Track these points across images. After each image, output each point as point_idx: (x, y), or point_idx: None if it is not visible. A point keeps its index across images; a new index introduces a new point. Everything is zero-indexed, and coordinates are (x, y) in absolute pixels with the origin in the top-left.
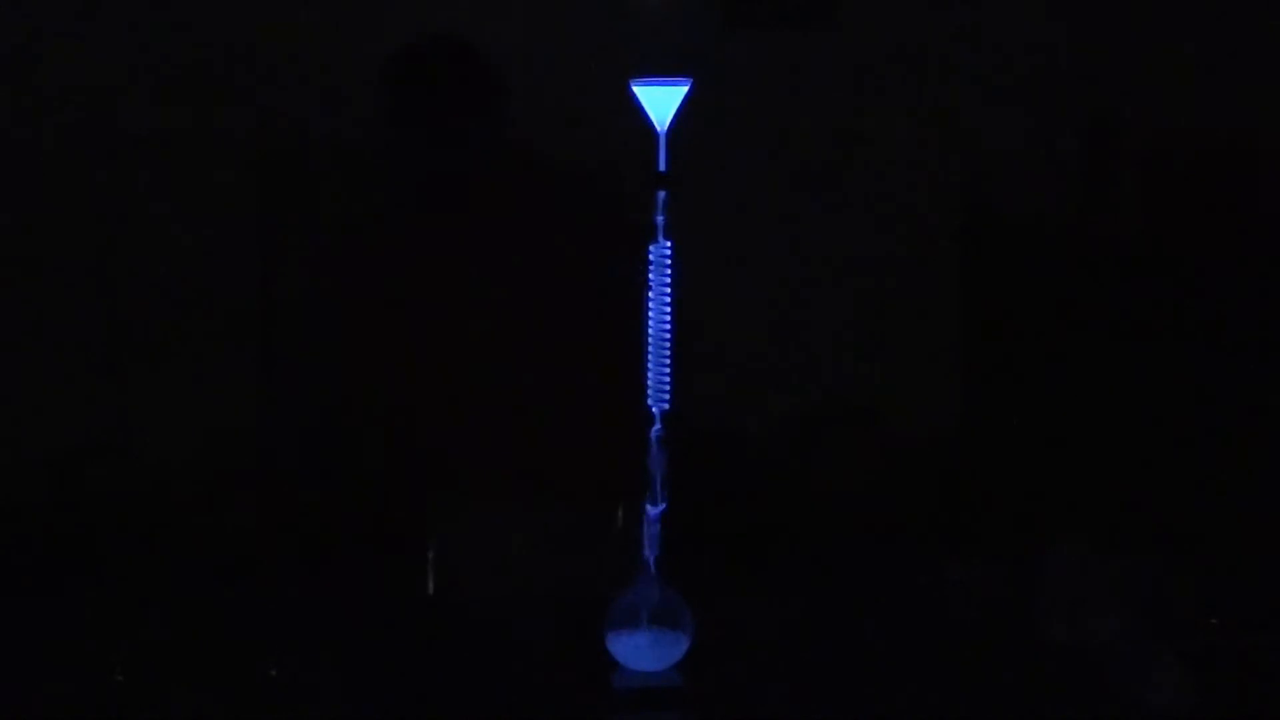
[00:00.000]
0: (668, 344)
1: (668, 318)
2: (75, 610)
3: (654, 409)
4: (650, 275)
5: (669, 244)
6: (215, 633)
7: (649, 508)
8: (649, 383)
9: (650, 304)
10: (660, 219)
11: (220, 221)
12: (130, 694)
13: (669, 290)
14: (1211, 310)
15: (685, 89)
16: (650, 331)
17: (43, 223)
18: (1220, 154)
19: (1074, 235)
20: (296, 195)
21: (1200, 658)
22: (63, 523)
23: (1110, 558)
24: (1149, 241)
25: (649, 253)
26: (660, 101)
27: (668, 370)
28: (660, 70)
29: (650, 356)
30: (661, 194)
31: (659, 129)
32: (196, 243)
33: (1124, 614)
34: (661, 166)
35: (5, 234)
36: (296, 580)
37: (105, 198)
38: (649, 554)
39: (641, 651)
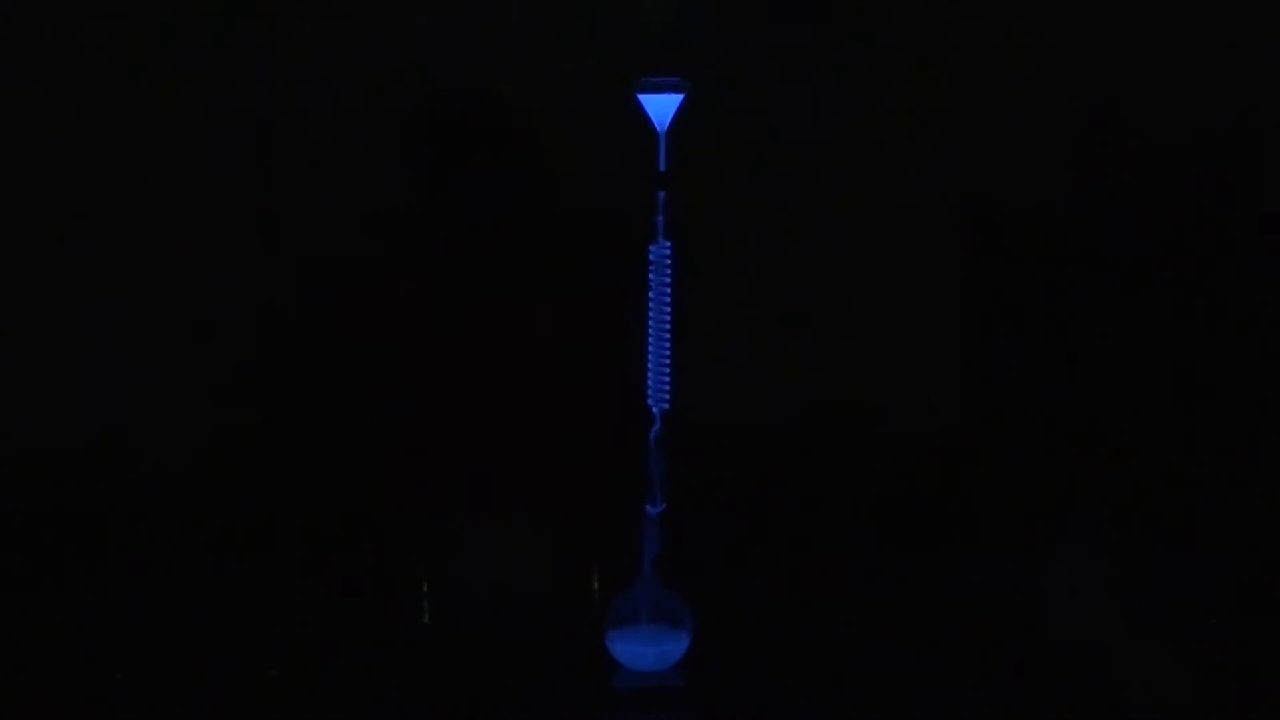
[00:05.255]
0: (668, 344)
1: (668, 318)
2: (75, 610)
3: (654, 409)
4: (650, 275)
5: (669, 244)
6: (215, 633)
7: (649, 508)
8: (649, 383)
9: (650, 304)
10: (660, 219)
11: (221, 219)
12: (131, 694)
13: (669, 290)
14: (1213, 309)
15: (684, 95)
16: (650, 331)
17: (41, 221)
18: (1222, 154)
19: (1076, 235)
20: (299, 196)
21: (1200, 658)
22: (63, 523)
23: (1111, 557)
24: (1151, 241)
25: (649, 253)
26: (660, 104)
27: (668, 370)
28: (659, 70)
29: (650, 356)
30: (661, 194)
31: (659, 129)
32: (197, 241)
33: (1124, 613)
34: (661, 167)
35: (5, 233)
36: (296, 580)
37: (104, 196)
38: (649, 554)
39: (641, 651)
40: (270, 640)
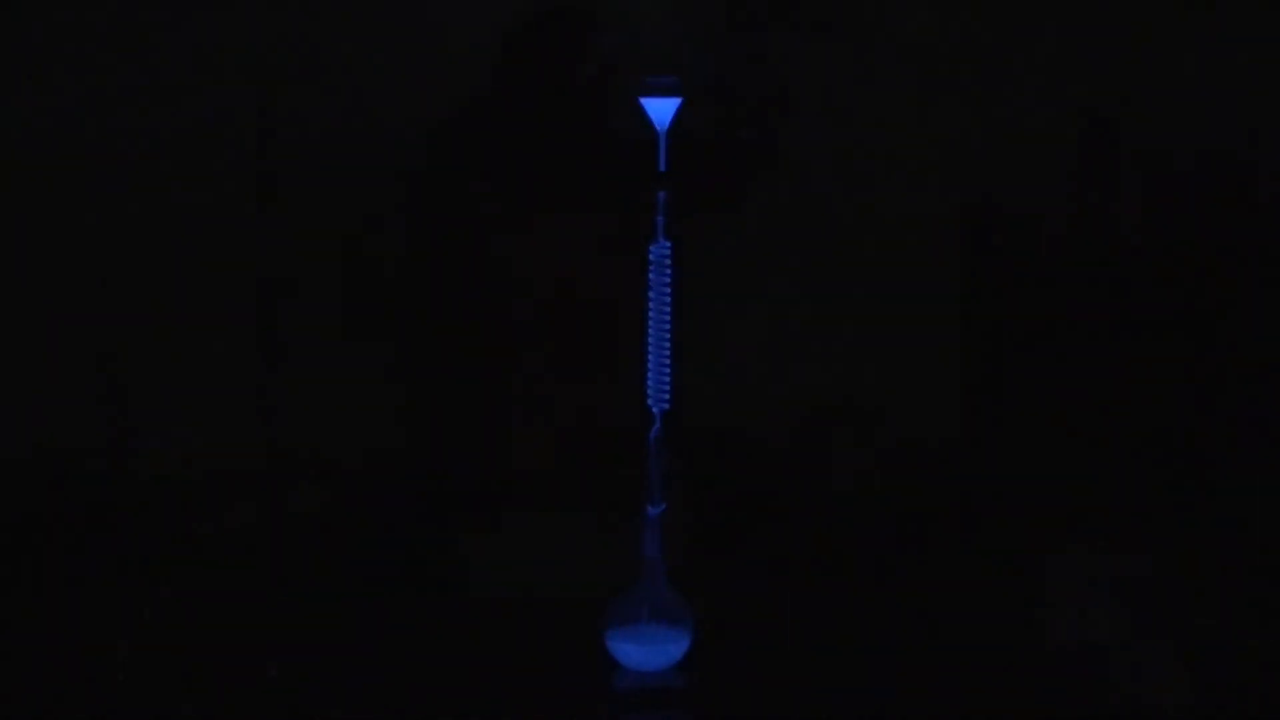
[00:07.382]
0: (668, 344)
1: (668, 318)
2: (76, 610)
3: (654, 409)
4: (650, 275)
5: (669, 244)
6: (215, 633)
7: (649, 508)
8: (649, 383)
9: (650, 304)
10: (660, 219)
11: (221, 218)
12: (131, 694)
13: (669, 290)
14: (1214, 311)
15: (683, 97)
16: (650, 331)
17: (42, 221)
18: (1224, 156)
19: (1078, 236)
20: (298, 192)
21: (1200, 658)
22: (63, 523)
23: (1111, 558)
24: (1152, 243)
25: (649, 253)
26: (660, 105)
27: (668, 370)
28: (660, 70)
29: (650, 356)
30: (661, 194)
31: (659, 129)
32: (197, 240)
33: (1125, 614)
34: (661, 166)
35: (5, 233)
36: (297, 580)
37: (104, 196)
38: (649, 554)
39: (641, 651)
40: (270, 639)
